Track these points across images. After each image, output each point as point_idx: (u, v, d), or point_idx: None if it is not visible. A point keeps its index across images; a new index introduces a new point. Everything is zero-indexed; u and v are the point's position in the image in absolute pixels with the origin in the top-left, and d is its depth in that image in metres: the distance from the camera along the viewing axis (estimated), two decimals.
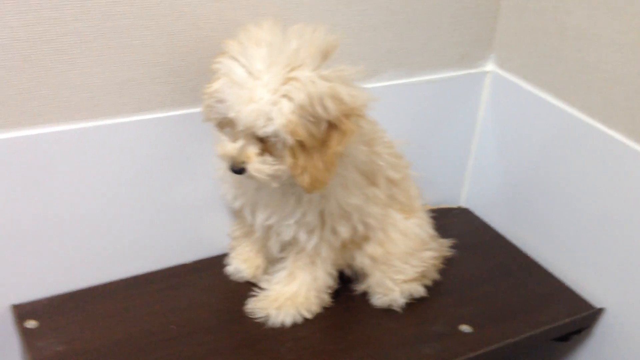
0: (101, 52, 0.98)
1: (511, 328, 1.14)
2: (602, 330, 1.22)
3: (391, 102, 1.22)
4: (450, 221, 1.40)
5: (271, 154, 0.94)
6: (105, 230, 1.11)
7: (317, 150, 0.92)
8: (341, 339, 1.09)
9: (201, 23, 1.03)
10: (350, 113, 0.92)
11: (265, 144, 0.93)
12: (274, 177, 0.95)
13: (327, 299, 1.14)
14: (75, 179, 1.05)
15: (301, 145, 0.90)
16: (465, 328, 1.12)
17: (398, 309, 1.15)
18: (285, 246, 1.11)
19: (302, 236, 1.04)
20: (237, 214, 1.19)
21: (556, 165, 1.25)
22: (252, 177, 0.95)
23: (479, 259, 1.31)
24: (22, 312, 1.08)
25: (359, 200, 1.05)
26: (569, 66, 1.19)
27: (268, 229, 1.09)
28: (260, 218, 1.06)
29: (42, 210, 1.05)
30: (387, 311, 1.15)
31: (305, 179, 0.93)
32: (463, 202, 1.48)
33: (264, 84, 0.88)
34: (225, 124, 0.96)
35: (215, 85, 0.92)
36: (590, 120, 1.17)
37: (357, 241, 1.11)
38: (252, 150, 0.94)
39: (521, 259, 1.32)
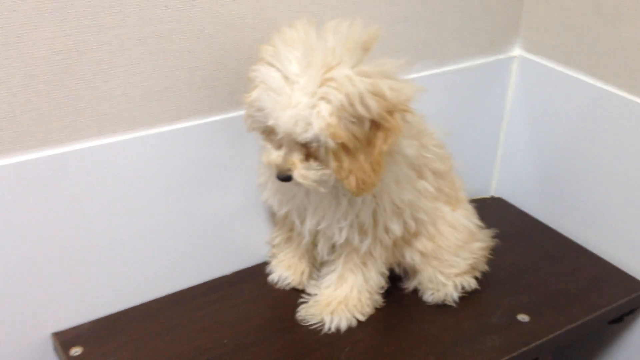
0: (140, 60, 0.94)
1: (569, 313, 1.12)
2: None
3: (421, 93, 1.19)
4: (486, 211, 1.36)
5: (316, 158, 0.90)
6: (144, 246, 1.07)
7: (362, 151, 0.88)
8: (400, 339, 1.06)
9: (238, 23, 0.99)
10: (394, 109, 0.88)
11: (308, 150, 0.90)
12: (320, 182, 0.91)
13: (379, 299, 1.11)
14: (113, 195, 1.00)
15: (344, 147, 0.86)
16: (523, 317, 1.10)
17: (452, 304, 1.12)
18: (334, 248, 1.08)
19: (355, 237, 1.01)
20: (277, 221, 1.16)
21: (594, 144, 1.23)
22: (299, 184, 0.92)
23: (522, 247, 1.29)
24: (65, 339, 1.03)
25: (411, 195, 1.02)
26: (604, 43, 1.18)
27: (316, 233, 1.05)
28: (311, 223, 1.02)
29: (77, 230, 1.00)
30: (442, 307, 1.12)
31: (351, 182, 0.89)
32: (494, 192, 1.46)
33: (301, 88, 0.84)
34: (269, 133, 0.92)
35: (254, 94, 0.89)
36: (629, 96, 1.16)
37: (407, 237, 1.08)
38: (296, 156, 0.90)
39: (563, 243, 1.31)
